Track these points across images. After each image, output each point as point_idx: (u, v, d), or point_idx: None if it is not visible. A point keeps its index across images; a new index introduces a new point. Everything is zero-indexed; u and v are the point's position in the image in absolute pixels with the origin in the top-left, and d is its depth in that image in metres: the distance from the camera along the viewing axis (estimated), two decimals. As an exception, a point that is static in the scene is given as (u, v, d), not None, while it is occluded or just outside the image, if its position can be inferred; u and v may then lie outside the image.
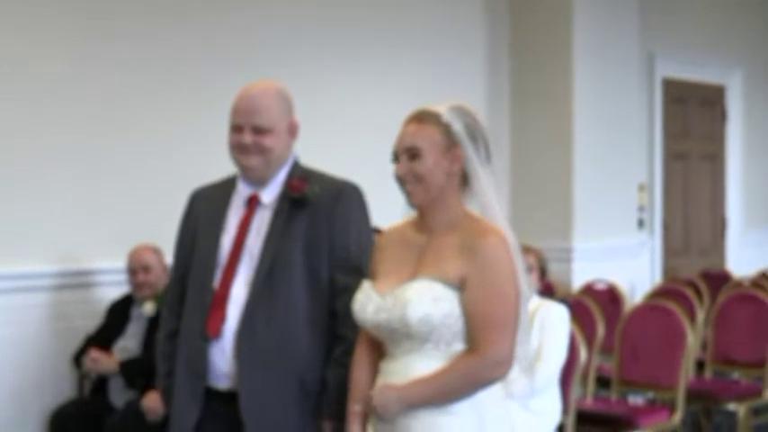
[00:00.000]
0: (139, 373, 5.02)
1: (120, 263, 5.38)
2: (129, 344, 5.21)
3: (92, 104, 5.60)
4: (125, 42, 5.72)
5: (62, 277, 5.48)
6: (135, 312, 5.30)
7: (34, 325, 5.41)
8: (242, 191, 3.24)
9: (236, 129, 3.16)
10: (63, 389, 5.45)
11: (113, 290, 5.48)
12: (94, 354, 5.18)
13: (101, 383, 5.29)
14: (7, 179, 5.32)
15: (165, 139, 5.83)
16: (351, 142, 6.60)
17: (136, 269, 5.26)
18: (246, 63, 6.02)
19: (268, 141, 3.13)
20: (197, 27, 6.01)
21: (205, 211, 3.28)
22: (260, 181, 3.20)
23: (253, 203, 3.21)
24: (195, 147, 5.77)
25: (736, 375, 6.62)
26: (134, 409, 4.88)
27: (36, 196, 5.40)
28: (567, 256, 7.32)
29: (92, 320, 5.43)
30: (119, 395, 5.15)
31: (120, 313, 5.36)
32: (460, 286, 2.72)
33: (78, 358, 5.31)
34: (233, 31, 6.16)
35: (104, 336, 5.33)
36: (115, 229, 5.57)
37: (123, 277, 5.38)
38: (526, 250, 4.84)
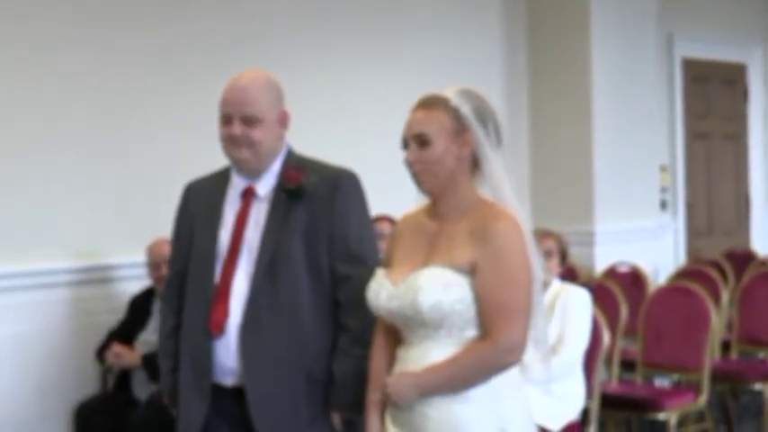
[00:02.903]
0: (163, 366, 5.03)
1: (139, 257, 5.39)
2: (151, 337, 5.21)
3: (109, 101, 5.61)
4: (139, 39, 5.73)
5: (82, 273, 5.50)
6: (156, 306, 5.30)
7: (56, 321, 5.44)
8: (237, 183, 3.22)
9: (226, 120, 3.14)
10: (87, 384, 5.47)
11: (133, 284, 5.49)
12: (117, 348, 5.20)
13: (124, 378, 5.31)
14: (25, 176, 5.33)
15: (182, 133, 5.83)
16: (361, 127, 6.57)
17: (158, 262, 5.25)
18: (255, 48, 6.03)
19: (257, 134, 3.11)
20: (205, 14, 6.01)
21: (201, 204, 3.27)
22: (253, 173, 3.18)
23: (248, 196, 3.19)
24: (212, 141, 5.77)
25: (762, 355, 6.58)
26: (157, 403, 4.85)
27: (54, 193, 5.41)
28: (588, 240, 7.28)
29: (113, 315, 5.45)
30: (142, 389, 5.16)
31: (141, 307, 5.38)
32: (472, 272, 2.70)
33: (101, 353, 5.33)
34: (239, 17, 6.15)
35: (126, 330, 5.35)
36: (133, 223, 5.58)
37: (143, 271, 5.40)
38: (546, 235, 4.82)
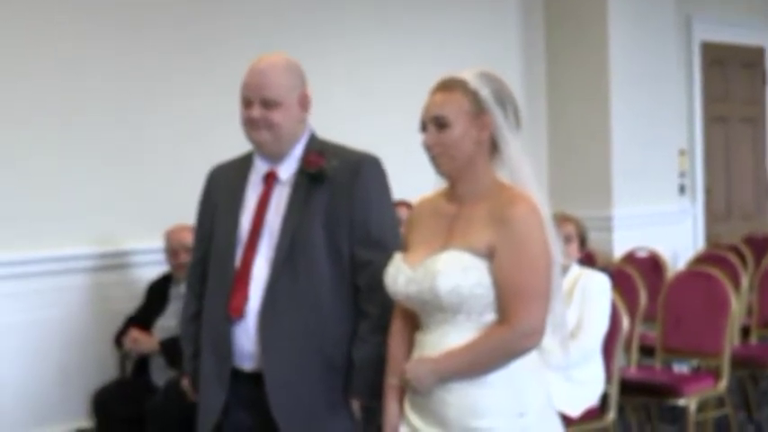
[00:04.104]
0: (180, 352, 5.02)
1: (157, 243, 5.39)
2: (168, 323, 5.22)
3: (126, 86, 5.62)
4: (155, 23, 5.73)
5: (101, 259, 5.52)
6: (174, 292, 5.30)
7: (75, 307, 5.46)
8: (259, 167, 3.20)
9: (246, 103, 3.13)
10: (105, 369, 5.49)
11: (151, 270, 5.50)
12: (135, 334, 5.21)
13: (142, 363, 5.32)
14: (43, 163, 5.35)
15: (201, 118, 5.83)
16: (379, 111, 6.56)
17: (177, 249, 5.26)
18: (275, 35, 6.01)
19: (276, 116, 3.09)
20: (227, 7, 6.00)
21: (223, 189, 3.26)
22: (274, 156, 3.16)
23: (270, 180, 3.17)
24: (230, 125, 5.76)
25: (782, 340, 6.54)
26: (175, 388, 4.84)
27: (72, 179, 5.43)
28: (607, 225, 7.26)
29: (131, 301, 5.46)
30: (160, 374, 5.17)
31: (159, 293, 5.38)
32: (490, 256, 2.68)
33: (119, 339, 5.34)
34: (258, 5, 6.15)
35: (144, 316, 5.36)
36: (151, 209, 5.59)
37: (161, 257, 5.40)
38: (565, 219, 4.80)
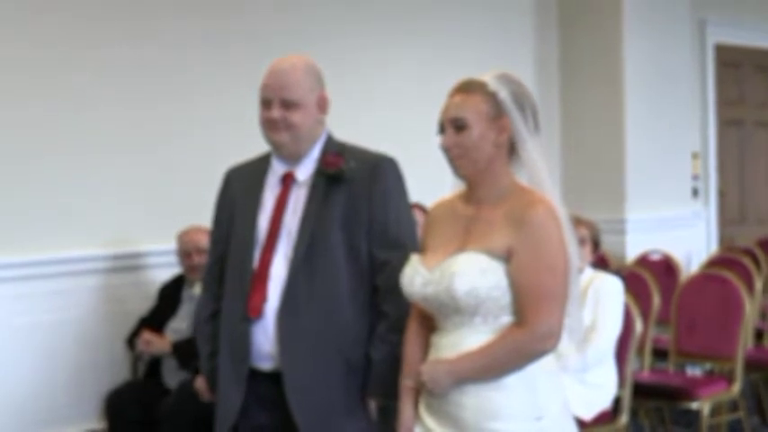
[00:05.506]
0: (192, 353, 5.00)
1: (170, 245, 5.39)
2: (181, 325, 5.22)
3: (140, 87, 5.62)
4: (172, 22, 5.73)
5: (113, 260, 5.52)
6: (186, 294, 5.31)
7: (87, 308, 5.46)
8: (276, 168, 3.21)
9: (265, 104, 3.14)
10: (118, 371, 5.49)
11: (163, 272, 5.50)
12: (147, 336, 5.20)
13: (154, 365, 5.31)
14: (56, 164, 5.35)
15: (214, 120, 5.83)
16: (396, 114, 6.55)
17: (190, 251, 5.26)
18: (292, 38, 6.01)
19: (296, 117, 3.10)
20: (244, 4, 6.01)
21: (241, 190, 3.26)
22: (293, 157, 3.17)
23: (288, 181, 3.18)
24: (245, 127, 5.76)
25: (796, 344, 6.51)
26: (188, 390, 4.87)
27: (85, 181, 5.43)
28: (620, 228, 7.23)
29: (143, 303, 5.46)
30: (172, 376, 5.17)
31: (171, 295, 5.38)
32: (507, 257, 2.67)
33: (131, 340, 5.34)
34: (277, 7, 6.15)
35: (157, 318, 5.35)
36: (163, 211, 5.59)
37: (173, 259, 5.40)
38: (578, 222, 4.78)
